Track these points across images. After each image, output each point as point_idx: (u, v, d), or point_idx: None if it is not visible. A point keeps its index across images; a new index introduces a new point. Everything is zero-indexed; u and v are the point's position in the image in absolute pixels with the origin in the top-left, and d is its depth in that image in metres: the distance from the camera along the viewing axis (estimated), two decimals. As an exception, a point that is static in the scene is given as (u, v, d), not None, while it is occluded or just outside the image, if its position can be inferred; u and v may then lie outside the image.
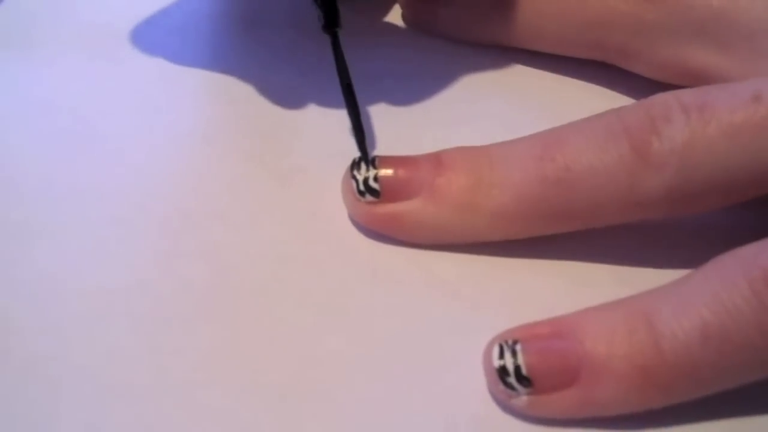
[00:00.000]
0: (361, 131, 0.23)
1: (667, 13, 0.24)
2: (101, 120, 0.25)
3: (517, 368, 0.18)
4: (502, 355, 0.18)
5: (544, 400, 0.18)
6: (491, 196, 0.21)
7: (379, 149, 0.24)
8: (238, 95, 0.26)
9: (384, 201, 0.21)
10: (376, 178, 0.21)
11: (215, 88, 0.26)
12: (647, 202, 0.20)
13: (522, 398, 0.18)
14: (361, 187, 0.22)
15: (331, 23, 0.24)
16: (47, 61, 0.27)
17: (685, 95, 0.20)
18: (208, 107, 0.26)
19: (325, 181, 0.23)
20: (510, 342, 0.19)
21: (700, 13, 0.23)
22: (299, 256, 0.22)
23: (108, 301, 0.20)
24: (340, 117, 0.24)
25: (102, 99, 0.26)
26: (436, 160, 0.21)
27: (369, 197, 0.21)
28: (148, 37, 0.28)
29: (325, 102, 0.25)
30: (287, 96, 0.26)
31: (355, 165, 0.22)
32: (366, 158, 0.22)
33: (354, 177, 0.22)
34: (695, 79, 0.23)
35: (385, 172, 0.21)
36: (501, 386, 0.18)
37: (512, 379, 0.18)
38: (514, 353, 0.18)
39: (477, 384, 0.19)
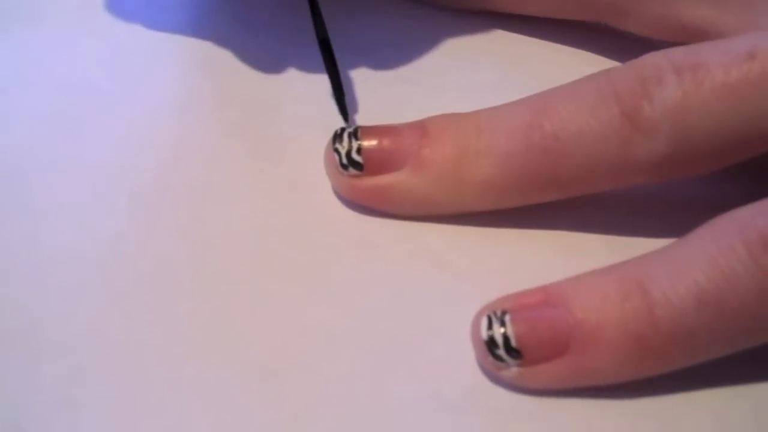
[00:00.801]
0: (339, 87, 0.23)
1: None
2: (79, 94, 0.24)
3: (506, 339, 0.18)
4: (490, 326, 0.18)
5: (534, 371, 0.18)
6: (478, 165, 0.20)
7: (365, 118, 0.23)
8: (218, 65, 0.25)
9: (368, 174, 0.21)
10: (359, 150, 0.21)
11: (196, 59, 0.26)
12: (638, 168, 0.19)
13: (512, 370, 0.18)
14: (344, 160, 0.21)
15: None
16: (26, 37, 0.26)
17: (677, 54, 0.19)
18: (189, 79, 0.25)
19: (308, 151, 0.22)
20: (498, 312, 0.18)
21: None
22: (283, 227, 0.21)
23: (87, 275, 0.20)
24: (323, 86, 0.24)
25: (79, 73, 0.25)
26: (421, 129, 0.21)
27: (352, 170, 0.21)
28: (126, 7, 0.27)
29: (307, 70, 0.25)
30: (269, 65, 0.25)
31: (337, 137, 0.21)
32: (344, 113, 0.22)
33: (336, 150, 0.21)
34: (689, 35, 0.23)
35: (369, 143, 0.21)
36: (490, 358, 0.18)
37: (501, 351, 0.18)
38: (502, 323, 0.18)
39: (465, 354, 0.19)
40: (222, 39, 0.26)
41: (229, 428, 0.18)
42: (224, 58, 0.25)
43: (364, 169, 0.21)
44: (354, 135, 0.21)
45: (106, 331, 0.19)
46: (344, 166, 0.21)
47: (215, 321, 0.19)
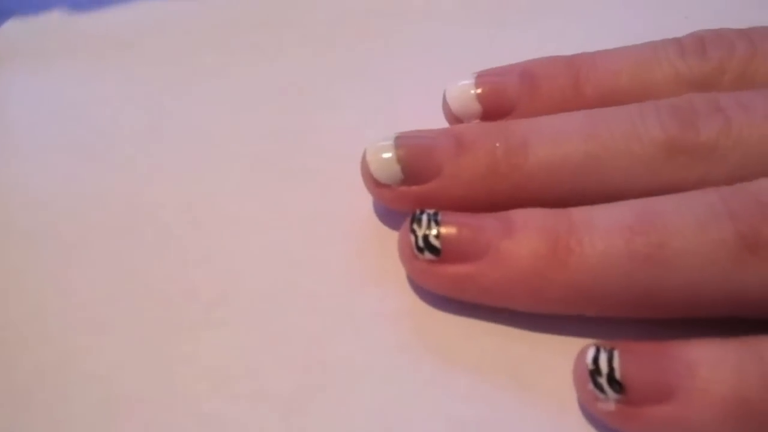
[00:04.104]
0: None
1: None
2: (109, 127, 0.25)
3: (611, 370, 0.17)
4: (597, 356, 0.17)
5: (633, 412, 0.17)
6: (567, 266, 0.18)
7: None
8: (244, 97, 0.26)
9: (444, 261, 0.19)
10: (437, 236, 0.19)
11: (221, 91, 0.26)
12: (747, 297, 0.18)
13: (609, 404, 0.17)
14: (420, 243, 0.19)
15: None
16: (55, 72, 0.27)
17: None
18: (215, 110, 0.26)
19: (333, 182, 0.23)
20: (608, 348, 0.17)
21: None
22: (306, 260, 0.21)
23: (115, 308, 0.20)
24: (348, 116, 0.24)
25: (109, 107, 0.26)
26: (506, 219, 0.19)
27: (428, 254, 0.19)
28: (152, 44, 0.28)
29: (332, 101, 0.25)
30: (294, 96, 0.26)
31: (415, 219, 0.20)
32: None
33: (413, 231, 0.20)
34: None
35: (448, 230, 0.19)
36: (590, 386, 0.17)
37: (603, 380, 0.17)
38: (610, 356, 0.17)
39: (487, 391, 0.19)
40: (247, 71, 0.27)
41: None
42: (250, 89, 0.26)
43: (441, 255, 0.19)
44: (434, 219, 0.20)
45: (132, 365, 0.19)
46: (420, 250, 0.19)
47: (238, 354, 0.20)
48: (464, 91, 0.23)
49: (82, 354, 0.20)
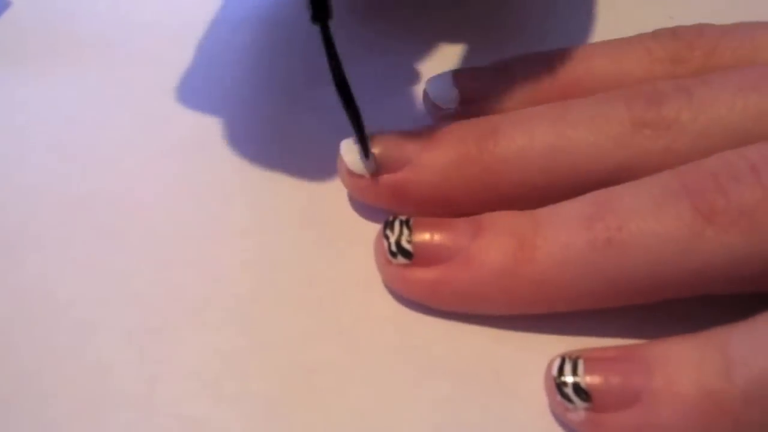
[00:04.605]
0: (361, 131, 0.21)
1: None
2: (97, 130, 0.25)
3: (576, 381, 0.17)
4: (562, 366, 0.18)
5: (600, 419, 0.17)
6: (533, 261, 0.19)
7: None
8: (232, 100, 0.26)
9: (416, 264, 0.20)
10: (409, 239, 0.20)
11: (209, 94, 0.26)
12: (709, 269, 0.18)
13: (579, 413, 0.17)
14: (393, 248, 0.20)
15: (318, 14, 0.20)
16: (42, 73, 0.27)
17: (751, 152, 0.18)
18: (202, 114, 0.25)
19: (322, 184, 0.23)
20: (573, 357, 0.18)
21: None
22: (290, 262, 0.21)
23: (100, 312, 0.20)
24: (340, 117, 0.24)
25: (98, 109, 0.26)
26: (475, 222, 0.20)
27: (401, 259, 0.20)
28: (141, 45, 0.28)
29: (323, 102, 0.25)
30: (284, 98, 0.26)
31: (388, 224, 0.20)
32: (365, 150, 0.21)
33: (386, 237, 0.20)
34: None
35: (420, 236, 0.20)
36: (558, 397, 0.18)
37: (569, 390, 0.17)
38: (575, 366, 0.18)
39: (470, 394, 0.19)
40: (237, 73, 0.26)
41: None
42: (239, 92, 0.26)
43: (413, 259, 0.20)
44: (406, 224, 0.20)
45: (117, 367, 0.19)
46: (393, 254, 0.20)
47: (222, 356, 0.20)
48: (444, 81, 0.23)
49: (66, 355, 0.20)
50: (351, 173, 0.21)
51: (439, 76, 0.24)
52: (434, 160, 0.21)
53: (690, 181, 0.18)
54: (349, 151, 0.21)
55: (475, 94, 0.23)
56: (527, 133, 0.20)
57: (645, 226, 0.18)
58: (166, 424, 0.18)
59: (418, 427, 0.18)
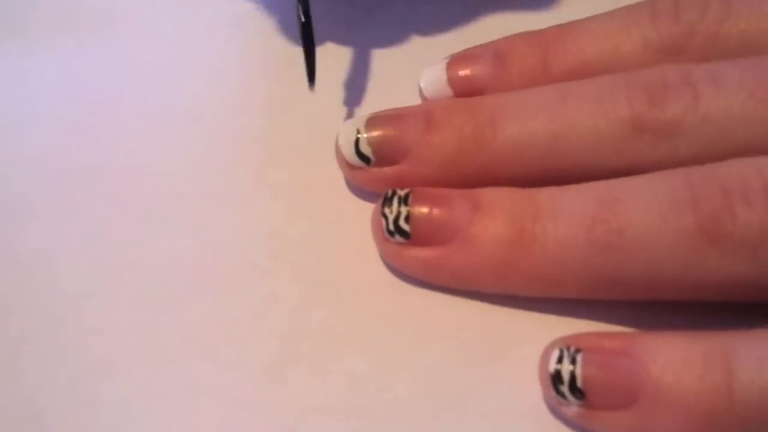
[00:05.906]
0: (311, 53, 0.22)
1: None
2: (98, 101, 0.25)
3: (573, 378, 0.17)
4: (560, 360, 0.17)
5: (594, 415, 0.17)
6: (530, 253, 0.19)
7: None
8: (230, 73, 0.26)
9: (414, 244, 0.20)
10: (407, 218, 0.20)
11: (208, 67, 0.26)
12: (707, 286, 0.18)
13: (572, 408, 0.17)
14: (391, 227, 0.20)
15: None
16: (42, 46, 0.27)
17: (766, 168, 0.18)
18: (201, 86, 0.25)
19: (319, 156, 0.23)
20: (572, 349, 0.17)
21: None
22: (287, 230, 0.22)
23: (99, 279, 0.21)
24: (335, 90, 0.24)
25: (99, 81, 0.26)
26: (475, 200, 0.19)
27: (399, 238, 0.20)
28: (143, 17, 0.28)
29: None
30: (278, 72, 0.26)
31: (386, 201, 0.20)
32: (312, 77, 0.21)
33: (384, 214, 0.20)
34: None
35: (418, 210, 0.20)
36: (552, 392, 0.18)
37: (565, 388, 0.17)
38: (573, 361, 0.17)
39: (465, 356, 0.19)
40: (233, 47, 0.26)
41: (235, 425, 0.18)
42: (237, 65, 0.26)
43: (410, 238, 0.20)
44: (404, 201, 0.20)
45: (118, 331, 0.20)
46: (390, 233, 0.20)
47: (220, 323, 0.20)
48: (436, 77, 0.23)
49: (68, 321, 0.20)
50: (350, 166, 0.21)
51: (432, 74, 0.23)
52: (432, 155, 0.21)
53: (699, 192, 0.18)
54: (346, 143, 0.21)
55: (470, 93, 0.22)
56: (525, 129, 0.20)
57: (646, 236, 0.18)
58: (165, 389, 0.19)
59: (414, 392, 0.19)
